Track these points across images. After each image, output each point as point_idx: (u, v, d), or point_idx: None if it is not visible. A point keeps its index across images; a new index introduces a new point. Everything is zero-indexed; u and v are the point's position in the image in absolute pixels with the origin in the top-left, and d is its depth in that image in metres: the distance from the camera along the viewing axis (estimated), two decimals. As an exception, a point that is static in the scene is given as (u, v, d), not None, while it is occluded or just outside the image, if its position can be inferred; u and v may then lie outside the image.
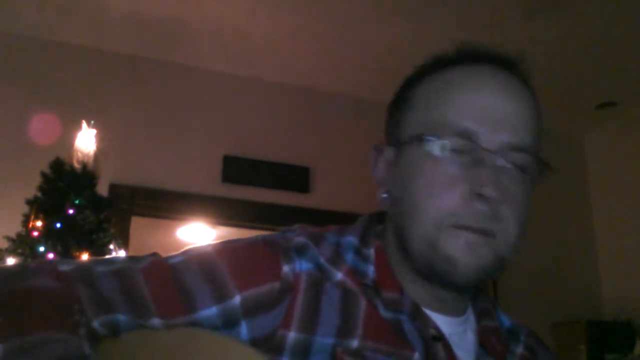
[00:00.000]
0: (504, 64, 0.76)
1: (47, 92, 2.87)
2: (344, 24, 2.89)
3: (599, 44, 3.00)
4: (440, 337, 0.73)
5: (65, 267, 0.69)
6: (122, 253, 2.20)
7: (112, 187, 2.82)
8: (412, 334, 0.72)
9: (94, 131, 2.28)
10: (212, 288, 0.69)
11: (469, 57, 0.77)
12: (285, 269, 0.71)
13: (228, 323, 0.69)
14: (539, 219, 2.69)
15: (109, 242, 2.15)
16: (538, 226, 3.16)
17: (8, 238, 2.06)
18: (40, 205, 2.10)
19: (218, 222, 3.22)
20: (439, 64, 0.78)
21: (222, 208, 3.06)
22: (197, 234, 4.42)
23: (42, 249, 2.00)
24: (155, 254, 0.75)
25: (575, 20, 2.83)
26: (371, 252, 0.77)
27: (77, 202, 2.11)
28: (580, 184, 3.81)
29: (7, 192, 2.56)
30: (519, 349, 0.80)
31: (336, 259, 0.75)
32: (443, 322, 0.75)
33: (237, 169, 3.11)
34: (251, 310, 0.69)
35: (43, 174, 2.16)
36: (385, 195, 0.78)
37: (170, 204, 2.97)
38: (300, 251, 0.74)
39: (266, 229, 3.04)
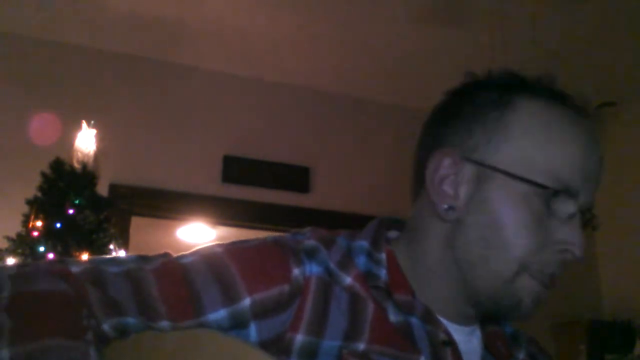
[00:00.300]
0: (588, 111, 0.78)
1: (47, 92, 2.87)
2: (344, 24, 2.89)
3: (599, 44, 3.00)
4: (450, 342, 0.73)
5: (75, 269, 0.69)
6: (122, 253, 2.20)
7: (112, 187, 2.82)
8: (420, 338, 0.72)
9: (94, 131, 2.28)
10: (221, 290, 0.69)
11: (559, 94, 0.77)
12: (296, 271, 0.71)
13: (237, 325, 0.69)
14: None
15: (109, 242, 2.15)
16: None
17: (8, 238, 2.06)
18: (40, 205, 2.10)
19: (218, 222, 3.22)
20: (526, 88, 0.76)
21: (222, 208, 3.06)
22: (197, 234, 4.42)
23: (42, 249, 2.00)
24: (166, 254, 0.74)
25: (575, 20, 2.83)
26: (382, 256, 0.77)
27: (77, 202, 2.11)
28: (580, 184, 3.81)
29: (7, 192, 2.56)
30: (521, 355, 0.81)
31: (346, 263, 0.74)
32: (452, 329, 0.75)
33: (237, 169, 3.11)
34: (260, 312, 0.69)
35: (43, 174, 2.16)
36: (446, 207, 0.74)
37: (170, 204, 2.97)
38: (311, 254, 0.74)
39: (266, 229, 3.04)
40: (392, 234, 0.83)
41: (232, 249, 0.73)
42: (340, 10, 2.79)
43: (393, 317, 0.73)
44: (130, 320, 0.66)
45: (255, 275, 0.70)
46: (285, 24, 2.89)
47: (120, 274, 0.69)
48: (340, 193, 3.26)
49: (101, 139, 2.30)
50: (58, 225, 2.05)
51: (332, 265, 0.74)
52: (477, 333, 0.79)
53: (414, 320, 0.73)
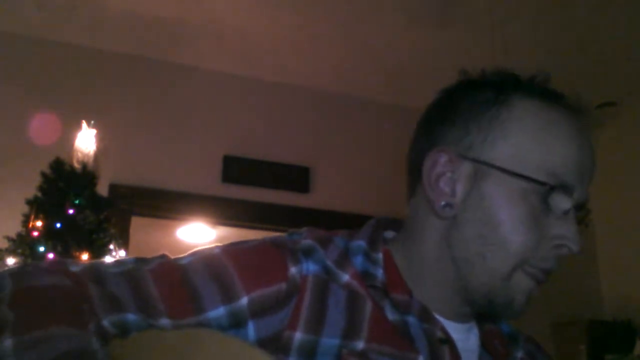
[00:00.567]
0: (581, 110, 0.78)
1: (47, 92, 2.87)
2: (344, 24, 2.89)
3: (598, 44, 3.00)
4: (447, 340, 0.73)
5: (75, 268, 0.69)
6: (122, 253, 2.20)
7: (112, 187, 2.82)
8: (418, 336, 0.73)
9: (94, 131, 2.28)
10: (219, 289, 0.69)
11: (553, 93, 0.77)
12: (293, 270, 0.72)
13: (235, 323, 0.69)
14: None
15: (109, 242, 2.15)
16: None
17: (8, 238, 2.06)
18: (40, 205, 2.10)
19: (218, 222, 3.22)
20: (521, 87, 0.77)
21: (222, 208, 3.06)
22: (197, 234, 4.42)
23: (42, 249, 2.00)
24: (163, 256, 0.75)
25: (575, 20, 2.83)
26: (379, 256, 0.77)
27: (77, 202, 2.11)
28: (580, 184, 3.81)
29: (7, 192, 2.56)
30: (519, 354, 0.82)
31: (343, 262, 0.75)
32: (449, 327, 0.75)
33: (237, 169, 3.11)
34: (258, 311, 0.70)
35: (43, 174, 2.16)
36: (443, 204, 0.74)
37: (170, 204, 2.97)
38: (308, 253, 0.74)
39: (266, 229, 3.04)
40: (389, 233, 0.83)
41: (229, 249, 0.74)
42: (340, 10, 2.79)
43: (390, 315, 0.73)
44: (131, 317, 0.67)
45: (252, 274, 0.71)
46: (285, 24, 2.89)
47: (119, 273, 0.70)
48: (340, 193, 3.26)
49: (101, 139, 2.30)
50: (58, 225, 2.05)
51: (329, 263, 0.74)
52: (475, 331, 0.80)
53: (411, 319, 0.74)
